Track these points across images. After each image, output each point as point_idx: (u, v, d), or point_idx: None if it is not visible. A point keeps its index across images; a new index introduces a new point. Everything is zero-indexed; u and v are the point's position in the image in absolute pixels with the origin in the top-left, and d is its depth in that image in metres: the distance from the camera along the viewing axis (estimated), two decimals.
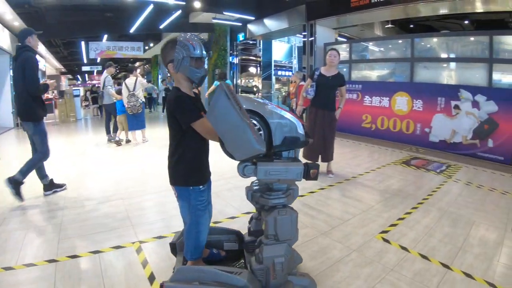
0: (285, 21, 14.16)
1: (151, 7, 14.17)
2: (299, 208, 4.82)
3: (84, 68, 32.01)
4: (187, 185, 2.57)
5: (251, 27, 16.22)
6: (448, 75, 9.71)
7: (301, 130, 2.44)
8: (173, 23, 16.43)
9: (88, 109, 22.73)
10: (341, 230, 4.31)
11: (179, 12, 14.96)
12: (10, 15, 13.03)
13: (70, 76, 40.42)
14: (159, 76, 26.62)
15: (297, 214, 2.49)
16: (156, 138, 10.80)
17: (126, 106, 9.20)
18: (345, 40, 14.33)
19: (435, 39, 10.22)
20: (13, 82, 5.44)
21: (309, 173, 2.41)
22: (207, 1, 14.19)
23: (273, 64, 20.85)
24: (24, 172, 5.10)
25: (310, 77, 6.41)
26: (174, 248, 2.96)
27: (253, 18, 15.51)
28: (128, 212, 4.76)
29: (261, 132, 2.36)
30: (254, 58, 21.36)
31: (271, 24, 14.98)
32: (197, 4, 13.71)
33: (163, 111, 18.81)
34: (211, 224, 2.99)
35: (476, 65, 8.96)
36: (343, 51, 12.12)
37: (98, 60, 25.09)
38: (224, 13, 14.90)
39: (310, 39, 13.00)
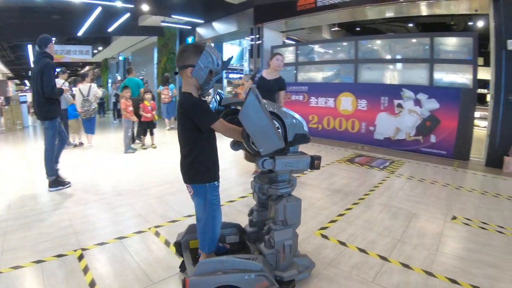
0: (234, 24, 13.84)
1: (99, 9, 13.40)
2: (240, 210, 4.72)
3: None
4: (205, 182, 2.64)
5: (200, 30, 15.81)
6: (391, 75, 9.70)
7: (306, 128, 2.67)
8: (122, 26, 15.63)
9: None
10: None
11: (127, 15, 14.27)
12: None
13: (18, 81, 38.12)
14: (109, 80, 25.63)
15: (300, 200, 2.73)
16: (106, 142, 10.37)
17: (80, 110, 9.11)
18: (293, 43, 14.10)
19: (378, 41, 10.20)
20: (32, 84, 5.61)
21: (314, 163, 2.62)
22: (155, 4, 13.58)
23: None
24: (49, 171, 5.52)
25: (252, 79, 6.13)
26: (180, 247, 3.00)
27: (202, 21, 15.05)
28: (72, 220, 4.34)
29: (279, 130, 2.53)
30: None
31: (220, 27, 14.63)
32: (145, 7, 13.11)
33: (114, 118, 17.77)
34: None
35: (418, 66, 8.99)
36: (290, 54, 11.96)
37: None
38: (173, 16, 14.40)
39: (258, 42, 12.76)
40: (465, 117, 7.95)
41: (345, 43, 10.97)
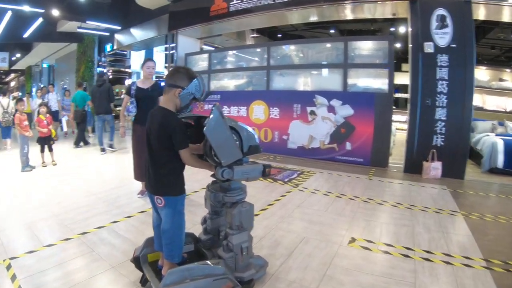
0: (151, 31, 11.98)
1: (9, 14, 11.31)
2: (116, 230, 3.77)
3: None
4: (178, 194, 2.53)
5: (118, 37, 13.78)
6: (305, 82, 8.16)
7: (257, 140, 2.57)
8: (40, 32, 13.43)
9: None
10: None
11: (40, 20, 12.10)
12: None
13: None
14: (33, 89, 22.30)
15: (253, 205, 2.61)
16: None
17: (1, 120, 9.22)
18: (207, 50, 12.32)
19: (292, 47, 8.66)
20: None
21: (265, 170, 2.55)
22: (68, 10, 11.58)
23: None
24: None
25: (127, 93, 5.00)
26: (138, 261, 2.68)
27: (119, 27, 13.07)
28: None
29: (237, 142, 2.46)
30: (124, 70, 18.64)
31: (137, 33, 12.69)
32: (56, 12, 11.10)
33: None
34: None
35: (332, 71, 7.56)
36: (204, 61, 10.18)
37: None
38: (88, 22, 12.37)
39: (172, 50, 11.03)
40: (382, 123, 6.66)
41: (258, 49, 9.29)
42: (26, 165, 6.75)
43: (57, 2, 11.06)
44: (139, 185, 5.16)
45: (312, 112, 7.40)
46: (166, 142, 2.39)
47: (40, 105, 7.79)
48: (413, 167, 6.31)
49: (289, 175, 6.08)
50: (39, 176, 6.28)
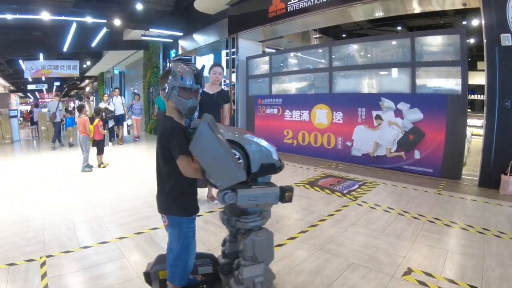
0: (212, 35, 12.37)
1: (75, 25, 12.57)
2: (153, 238, 3.92)
3: (30, 87, 28.25)
4: (182, 215, 2.40)
5: (182, 42, 14.44)
6: (369, 83, 7.88)
7: (275, 156, 2.31)
8: (106, 41, 14.75)
9: (29, 129, 20.09)
10: None
11: (104, 30, 13.25)
12: None
13: (21, 94, 36.76)
14: (105, 94, 24.44)
15: (272, 234, 2.37)
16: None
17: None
18: (267, 52, 12.44)
19: (355, 46, 8.37)
20: None
21: (285, 195, 2.24)
22: (130, 19, 12.43)
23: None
24: None
25: None
26: (149, 277, 2.64)
27: (182, 34, 13.78)
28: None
29: (241, 160, 2.21)
30: None
31: (199, 39, 13.19)
32: (117, 22, 11.95)
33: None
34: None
35: (398, 71, 7.24)
36: (265, 64, 10.35)
37: (30, 80, 22.47)
38: (151, 29, 13.23)
39: (233, 54, 11.24)
40: (455, 128, 6.22)
41: (319, 50, 9.16)
42: (86, 166, 7.71)
43: (118, 12, 11.91)
44: None
45: (378, 117, 7.17)
46: (166, 152, 2.29)
47: (96, 111, 9.01)
48: (489, 181, 5.71)
49: (349, 186, 5.96)
50: (94, 177, 7.05)
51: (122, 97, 13.02)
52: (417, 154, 6.62)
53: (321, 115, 8.33)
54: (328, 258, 3.29)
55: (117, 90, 13.25)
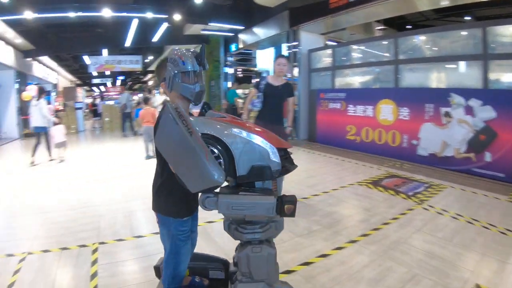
0: (273, 29, 12.55)
1: (136, 21, 13.29)
2: (208, 232, 4.07)
3: (95, 81, 31.13)
4: (169, 215, 2.25)
5: (242, 36, 14.80)
6: (437, 77, 7.67)
7: (275, 157, 1.91)
8: (168, 35, 15.53)
9: (92, 120, 21.56)
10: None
11: (165, 25, 13.88)
12: (11, 33, 13.44)
13: (87, 88, 39.96)
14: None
15: (275, 251, 2.04)
16: None
17: None
18: (330, 45, 12.36)
19: (422, 37, 8.11)
20: None
21: (284, 208, 1.90)
22: (189, 14, 12.91)
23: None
24: None
25: (255, 87, 5.19)
26: (159, 271, 2.60)
27: (242, 27, 14.11)
28: None
29: (220, 160, 1.89)
30: (251, 68, 19.84)
31: (260, 32, 13.44)
32: (177, 17, 12.49)
33: None
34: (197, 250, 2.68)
35: (469, 64, 6.99)
36: (328, 57, 10.38)
37: (95, 74, 24.80)
38: (210, 24, 13.69)
39: (294, 47, 11.37)
40: None
41: (384, 42, 9.01)
42: (148, 155, 8.53)
43: (178, 7, 12.38)
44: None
45: (447, 114, 6.94)
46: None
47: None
48: None
49: (415, 187, 5.87)
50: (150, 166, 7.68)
51: None
52: (488, 156, 6.34)
53: (386, 110, 8.22)
54: (391, 267, 3.21)
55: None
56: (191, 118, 1.99)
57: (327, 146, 9.96)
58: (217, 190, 1.94)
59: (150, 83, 38.16)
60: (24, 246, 3.89)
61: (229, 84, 16.31)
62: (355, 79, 9.69)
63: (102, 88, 41.24)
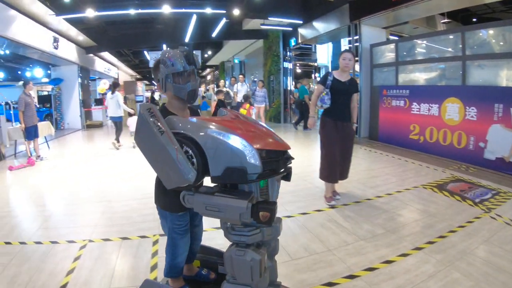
0: (333, 23, 12.46)
1: (195, 17, 13.84)
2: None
3: None
4: (165, 209, 2.50)
5: (301, 31, 14.76)
6: (508, 75, 7.30)
7: (254, 160, 1.86)
8: (226, 30, 15.93)
9: None
10: (290, 266, 3.37)
11: (224, 20, 14.28)
12: (74, 31, 15.00)
13: (147, 82, 42.44)
14: (226, 82, 26.28)
15: (259, 258, 1.97)
16: None
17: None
18: (393, 39, 12.07)
19: (491, 31, 7.76)
20: None
21: (258, 215, 1.90)
22: (248, 8, 13.22)
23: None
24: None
25: (322, 83, 5.07)
26: None
27: (301, 21, 14.13)
28: None
29: (193, 159, 1.93)
30: (311, 63, 19.94)
31: (320, 26, 13.36)
32: (236, 12, 12.78)
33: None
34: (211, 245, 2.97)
35: None
36: (391, 52, 10.23)
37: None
38: (270, 18, 13.82)
39: (356, 41, 11.29)
40: None
41: (450, 36, 8.72)
42: None
43: (237, 2, 12.71)
44: (314, 184, 5.68)
45: None
46: None
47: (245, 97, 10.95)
48: None
49: (482, 194, 5.68)
50: None
51: (247, 84, 13.61)
52: None
53: (452, 109, 8.01)
54: (457, 279, 3.12)
55: (241, 76, 13.95)
56: (176, 117, 2.11)
57: (389, 145, 9.87)
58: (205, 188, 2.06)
59: (208, 78, 39.47)
60: (85, 234, 4.28)
61: (289, 80, 16.48)
62: (420, 76, 9.46)
63: None
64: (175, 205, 2.29)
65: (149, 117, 1.90)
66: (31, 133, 9.13)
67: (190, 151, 1.93)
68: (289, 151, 2.13)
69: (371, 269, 3.30)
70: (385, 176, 6.84)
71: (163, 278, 2.71)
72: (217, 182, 2.00)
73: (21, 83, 23.46)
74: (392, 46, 10.21)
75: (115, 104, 10.26)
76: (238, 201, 1.89)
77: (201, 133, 1.95)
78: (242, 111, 10.17)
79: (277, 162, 2.02)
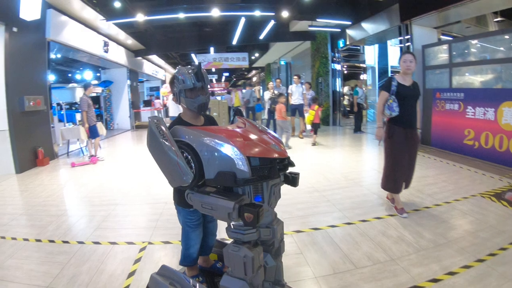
0: (382, 23, 12.31)
1: (243, 19, 14.08)
2: (327, 237, 4.23)
3: None
4: (179, 205, 2.86)
5: (350, 32, 14.67)
6: None
7: (243, 167, 2.12)
8: (273, 33, 16.19)
9: None
10: (355, 276, 3.35)
11: (271, 22, 14.33)
12: (123, 35, 15.98)
13: None
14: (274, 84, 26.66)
15: (252, 255, 2.15)
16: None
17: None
18: (446, 40, 11.79)
19: None
20: None
21: (243, 216, 2.08)
22: (298, 10, 13.30)
23: (390, 70, 18.31)
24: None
25: (386, 89, 4.87)
26: None
27: (349, 22, 14.05)
28: None
29: (192, 164, 2.24)
30: (359, 65, 19.78)
31: (368, 27, 13.25)
32: (285, 14, 12.87)
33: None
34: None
35: None
36: (444, 54, 9.99)
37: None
38: (318, 20, 13.81)
39: (407, 42, 11.10)
40: None
41: (506, 36, 8.42)
42: (286, 145, 9.95)
43: (286, 4, 12.78)
44: (371, 191, 5.72)
45: None
46: None
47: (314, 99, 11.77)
48: None
49: None
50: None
51: (303, 86, 13.22)
52: None
53: (509, 114, 7.70)
54: None
55: (296, 77, 13.51)
56: (180, 127, 2.41)
57: (442, 150, 9.65)
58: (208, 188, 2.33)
59: (254, 79, 39.89)
60: (144, 235, 4.45)
61: (338, 81, 16.46)
62: (474, 78, 9.18)
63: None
64: (186, 202, 2.45)
65: (155, 127, 2.24)
66: (95, 132, 9.93)
67: (189, 157, 2.24)
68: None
69: (435, 280, 3.26)
70: (442, 183, 6.69)
71: (181, 268, 3.06)
72: (210, 184, 2.30)
73: (71, 85, 24.98)
74: (445, 47, 9.97)
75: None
76: (227, 202, 2.13)
77: (198, 141, 2.25)
78: (311, 112, 11.16)
79: (270, 169, 2.21)
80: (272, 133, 2.56)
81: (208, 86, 2.79)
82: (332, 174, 7.27)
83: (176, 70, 2.74)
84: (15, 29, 8.74)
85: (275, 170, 2.24)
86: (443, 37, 11.95)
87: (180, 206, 2.84)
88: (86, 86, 9.92)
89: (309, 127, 12.79)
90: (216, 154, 2.18)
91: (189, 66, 2.74)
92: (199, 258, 3.11)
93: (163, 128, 2.25)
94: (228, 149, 2.17)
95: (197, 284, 2.59)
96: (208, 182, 2.25)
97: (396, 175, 4.91)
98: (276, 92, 12.86)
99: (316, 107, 11.09)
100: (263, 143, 2.33)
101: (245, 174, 2.13)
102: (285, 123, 10.68)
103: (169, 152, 2.17)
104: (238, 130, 2.46)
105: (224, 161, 2.16)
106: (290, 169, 2.47)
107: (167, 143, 2.19)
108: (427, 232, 4.37)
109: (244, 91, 16.30)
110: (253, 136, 2.37)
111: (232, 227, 2.29)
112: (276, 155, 2.25)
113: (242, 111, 3.03)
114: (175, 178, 2.24)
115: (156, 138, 2.21)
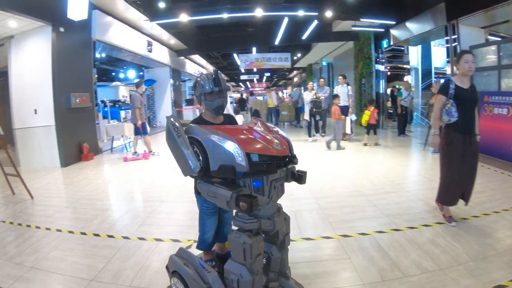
0: (427, 23, 12.06)
1: (286, 19, 14.17)
2: (375, 242, 4.18)
3: (242, 77, 35.84)
4: (197, 194, 3.08)
5: (394, 32, 14.46)
6: None
7: (241, 161, 2.38)
8: (316, 33, 16.22)
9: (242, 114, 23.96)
10: (403, 284, 3.27)
11: (315, 22, 14.41)
12: (166, 35, 16.45)
13: (234, 84, 45.91)
14: (314, 85, 26.35)
15: (251, 242, 2.40)
16: None
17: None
18: (496, 40, 11.40)
19: None
20: None
21: (238, 204, 2.33)
22: (341, 10, 13.27)
23: (433, 71, 18.05)
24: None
25: (443, 93, 4.55)
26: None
27: (394, 22, 13.87)
28: None
29: (200, 156, 2.52)
30: (402, 66, 19.57)
31: (413, 27, 13.02)
32: (329, 14, 12.90)
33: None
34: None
35: None
36: (492, 55, 9.70)
37: (243, 71, 27.71)
38: (362, 20, 13.74)
39: (454, 43, 10.84)
40: None
41: None
42: (338, 146, 10.82)
43: (329, 3, 12.79)
44: (417, 196, 5.70)
45: None
46: None
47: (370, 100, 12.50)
48: None
49: None
50: (336, 159, 9.44)
51: (349, 86, 12.81)
52: None
53: None
54: None
55: (341, 77, 13.09)
56: (194, 125, 2.67)
57: (489, 156, 9.34)
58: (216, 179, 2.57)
59: (295, 80, 39.92)
60: (189, 234, 4.51)
61: (381, 83, 16.27)
62: None
63: (248, 84, 46.23)
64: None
65: (171, 125, 2.56)
66: (146, 128, 10.38)
67: (198, 151, 2.52)
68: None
69: None
70: (490, 192, 6.35)
71: (200, 252, 3.30)
72: (214, 176, 2.53)
73: (114, 83, 25.99)
74: (494, 47, 9.66)
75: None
76: (226, 191, 2.39)
77: (206, 138, 2.52)
78: (367, 112, 11.40)
79: (269, 165, 2.45)
80: (282, 133, 2.80)
81: (226, 90, 3.08)
82: (377, 178, 7.18)
83: (197, 75, 3.09)
84: (61, 29, 9.26)
85: (273, 166, 2.47)
86: (491, 38, 11.56)
87: (198, 194, 3.05)
88: (138, 84, 10.39)
89: (348, 130, 12.81)
90: (219, 149, 2.44)
91: (209, 73, 3.04)
92: (216, 245, 3.35)
93: (178, 125, 2.55)
94: (230, 145, 2.44)
95: (209, 267, 2.79)
96: (212, 173, 2.49)
97: (452, 187, 4.66)
98: (318, 94, 12.69)
99: (372, 108, 11.31)
100: (265, 141, 2.58)
101: (243, 168, 2.37)
102: (338, 124, 10.81)
103: (181, 146, 2.48)
104: (246, 129, 2.79)
105: (226, 156, 2.41)
106: (297, 167, 2.79)
107: (180, 138, 2.51)
108: (476, 243, 4.19)
109: (287, 91, 16.62)
110: (257, 135, 2.66)
111: (237, 216, 2.55)
112: (274, 153, 2.50)
113: (259, 113, 3.28)
114: (186, 169, 2.50)
115: (172, 134, 2.52)
